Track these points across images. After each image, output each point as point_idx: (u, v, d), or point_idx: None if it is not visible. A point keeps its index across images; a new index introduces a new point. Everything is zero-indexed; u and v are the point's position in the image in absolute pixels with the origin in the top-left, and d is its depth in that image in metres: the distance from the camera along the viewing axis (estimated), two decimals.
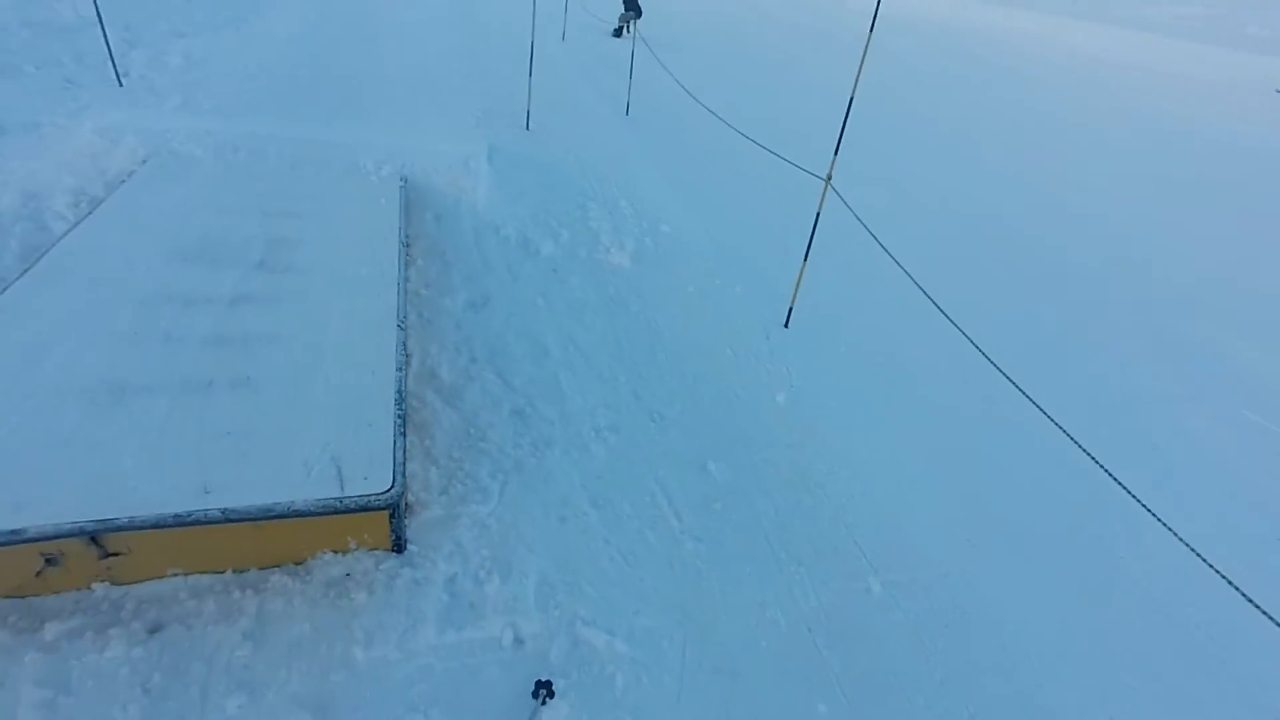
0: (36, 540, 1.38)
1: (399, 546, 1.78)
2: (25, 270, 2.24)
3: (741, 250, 4.36)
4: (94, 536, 1.44)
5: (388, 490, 1.63)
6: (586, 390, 2.75)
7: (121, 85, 4.65)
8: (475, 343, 2.83)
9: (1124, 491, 2.03)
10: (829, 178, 3.34)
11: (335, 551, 1.73)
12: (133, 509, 1.45)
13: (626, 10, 11.23)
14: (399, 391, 1.97)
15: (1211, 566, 1.73)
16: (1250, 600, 1.66)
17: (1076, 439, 2.27)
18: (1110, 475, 2.10)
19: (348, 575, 1.71)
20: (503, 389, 2.61)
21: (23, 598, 1.50)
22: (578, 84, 7.94)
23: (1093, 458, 2.17)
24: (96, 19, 4.75)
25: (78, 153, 3.27)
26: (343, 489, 1.60)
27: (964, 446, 2.91)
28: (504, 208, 4.07)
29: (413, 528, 1.87)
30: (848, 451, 2.74)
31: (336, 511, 1.58)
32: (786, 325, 3.57)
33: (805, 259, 3.43)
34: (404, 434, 1.85)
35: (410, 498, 1.92)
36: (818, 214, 3.38)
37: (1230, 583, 1.69)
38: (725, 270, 4.07)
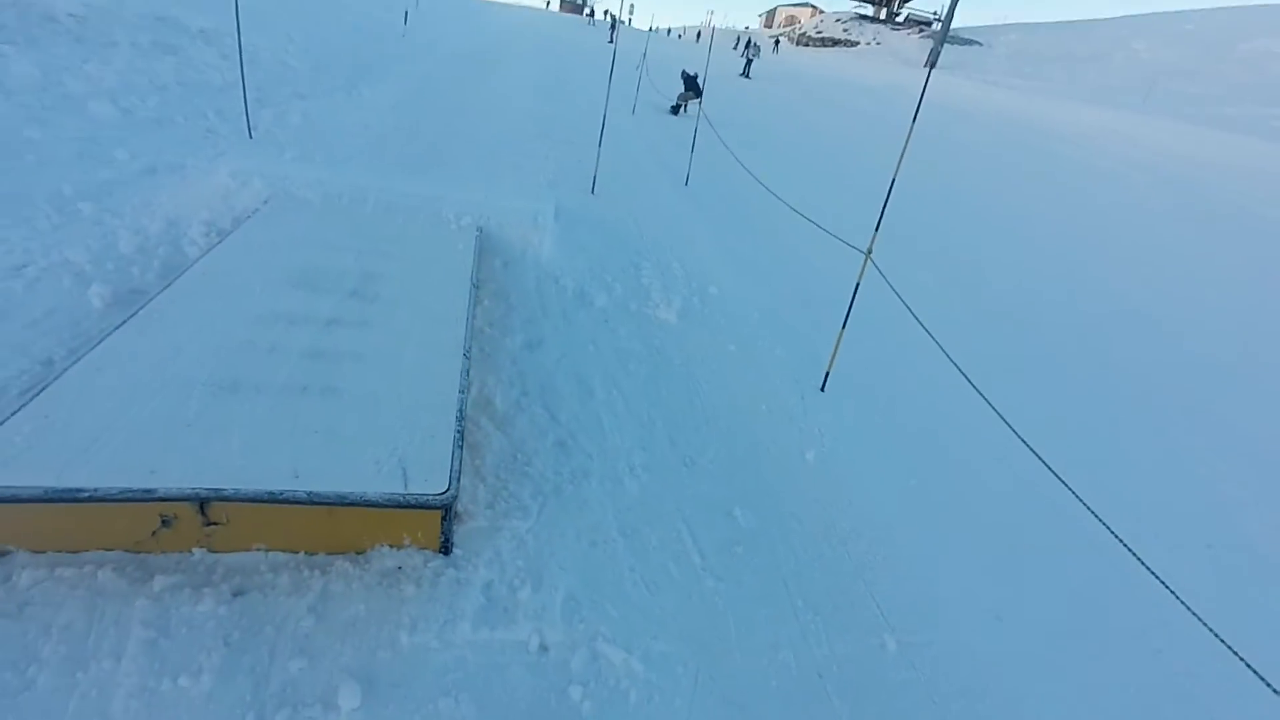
0: (163, 500, 1.65)
1: (446, 549, 1.98)
2: (165, 286, 2.67)
3: (785, 316, 4.56)
4: (203, 504, 1.71)
5: (443, 493, 1.85)
6: (625, 431, 2.94)
7: (251, 137, 5.40)
8: (528, 379, 3.10)
9: (1175, 598, 2.02)
10: (869, 251, 3.55)
11: (391, 546, 1.94)
12: (236, 483, 1.72)
13: (686, 90, 12.07)
14: (460, 411, 2.22)
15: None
16: None
17: (1120, 536, 2.30)
18: (1157, 579, 2.12)
19: (400, 568, 1.92)
20: (549, 422, 2.84)
21: (138, 554, 1.77)
22: (642, 155, 8.55)
23: (1139, 559, 2.19)
24: (238, 82, 5.59)
25: (213, 191, 3.84)
26: (406, 486, 1.83)
27: (996, 523, 2.92)
28: (565, 261, 4.44)
29: (459, 534, 2.07)
30: (873, 514, 2.81)
31: (399, 506, 1.80)
32: (823, 389, 3.70)
33: (844, 326, 3.60)
34: (461, 448, 2.08)
35: (459, 508, 2.13)
36: (857, 285, 3.58)
37: None
38: (767, 333, 4.26)
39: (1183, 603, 1.98)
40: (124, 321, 2.33)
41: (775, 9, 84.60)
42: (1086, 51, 51.83)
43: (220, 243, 3.13)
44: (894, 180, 3.32)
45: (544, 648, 1.84)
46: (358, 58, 9.95)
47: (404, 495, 1.81)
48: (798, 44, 68.76)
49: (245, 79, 5.63)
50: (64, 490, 1.60)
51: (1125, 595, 2.60)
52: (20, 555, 1.69)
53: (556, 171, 6.71)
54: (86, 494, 1.61)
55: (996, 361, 4.24)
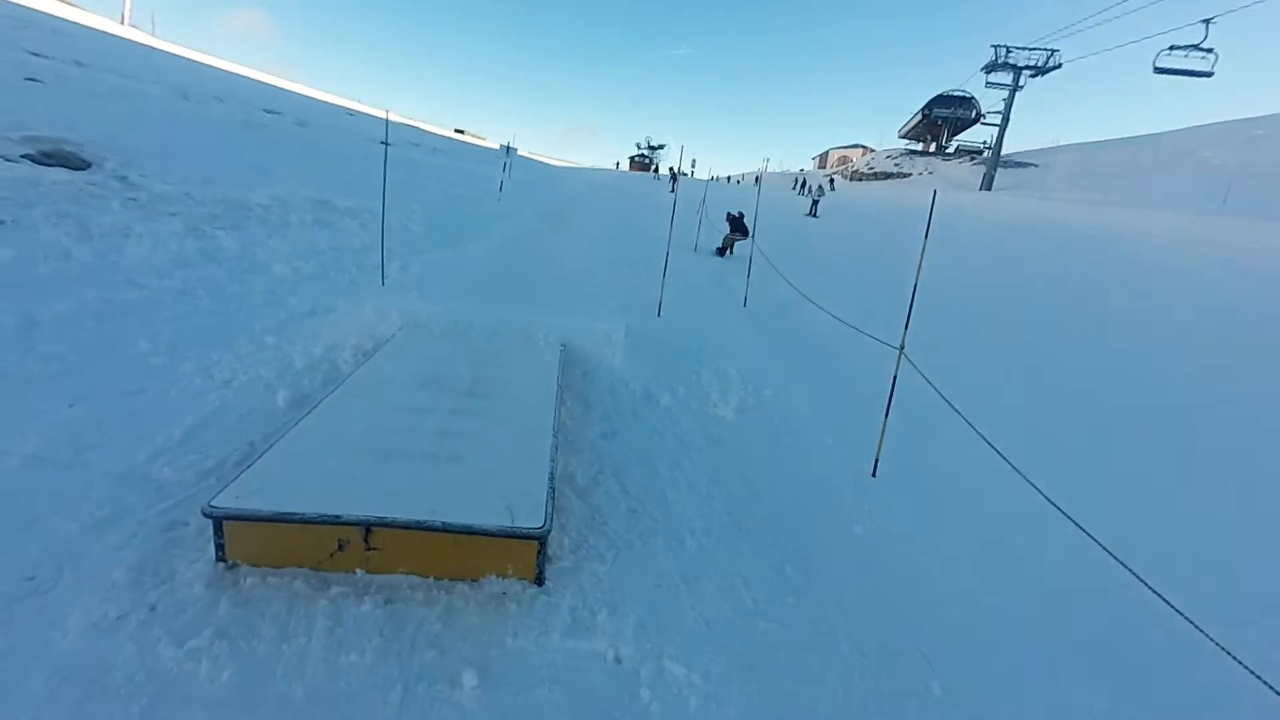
0: (343, 524, 2.28)
1: (540, 580, 2.46)
2: (333, 389, 3.52)
3: (835, 411, 4.97)
4: (368, 530, 2.32)
5: (540, 527, 2.37)
6: (686, 503, 3.38)
7: (384, 284, 6.73)
8: (604, 460, 3.65)
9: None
10: (902, 347, 4.02)
11: (498, 575, 2.44)
12: (393, 513, 2.32)
13: (732, 231, 12.51)
14: (550, 474, 2.78)
15: None
16: None
17: (1183, 611, 2.47)
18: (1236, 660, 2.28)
19: (504, 593, 2.40)
20: (621, 494, 3.33)
21: (317, 570, 2.37)
22: (704, 284, 9.55)
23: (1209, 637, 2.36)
24: (374, 244, 7.07)
25: (360, 323, 4.90)
26: (513, 521, 2.37)
27: (1048, 607, 3.04)
28: (634, 369, 5.13)
29: (549, 571, 2.55)
30: (923, 583, 3.02)
31: (506, 535, 2.34)
32: (874, 474, 4.01)
33: (886, 416, 3.99)
34: (552, 500, 2.62)
35: (550, 551, 2.63)
36: (895, 376, 4.01)
37: None
38: (818, 427, 4.67)
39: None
40: (308, 412, 3.14)
41: (828, 151, 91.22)
42: (1151, 162, 51.91)
43: (368, 360, 4.05)
44: (917, 280, 3.87)
45: (618, 660, 2.22)
46: (463, 220, 11.97)
47: (511, 527, 2.34)
48: (851, 179, 73.07)
49: (372, 241, 7.13)
50: (282, 513, 2.27)
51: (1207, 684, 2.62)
52: (245, 568, 2.33)
53: (627, 300, 7.70)
54: (297, 516, 2.26)
55: (1040, 449, 4.39)
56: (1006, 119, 47.16)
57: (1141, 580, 2.54)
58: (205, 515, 2.25)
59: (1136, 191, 45.92)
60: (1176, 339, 8.76)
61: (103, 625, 2.02)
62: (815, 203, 23.49)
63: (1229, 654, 2.19)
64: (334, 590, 2.28)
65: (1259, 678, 2.10)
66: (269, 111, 17.09)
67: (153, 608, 2.10)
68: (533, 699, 2.00)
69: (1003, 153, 51.61)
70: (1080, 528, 2.93)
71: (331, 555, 2.36)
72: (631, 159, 64.48)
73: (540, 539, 2.38)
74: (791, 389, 5.45)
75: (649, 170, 59.47)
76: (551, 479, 2.77)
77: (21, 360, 3.65)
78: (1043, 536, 3.39)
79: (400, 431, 3.01)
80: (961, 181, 58.05)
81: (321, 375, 4.15)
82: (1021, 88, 46.09)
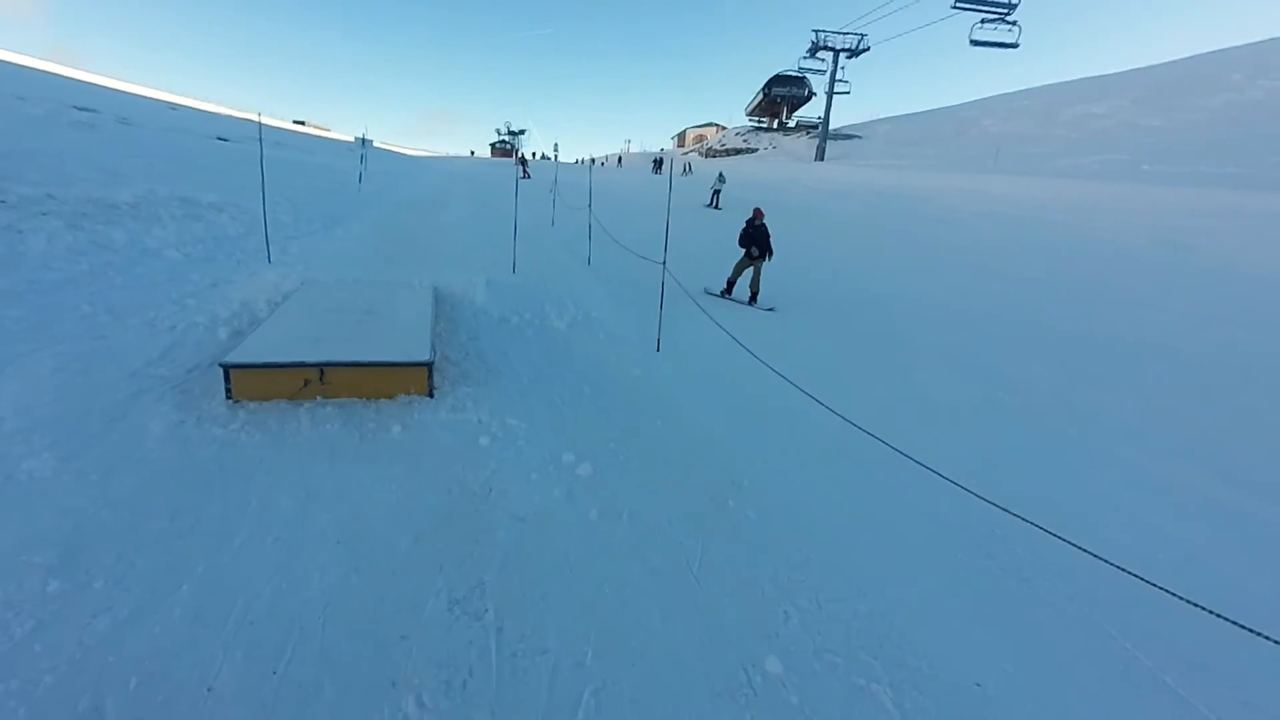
0: (306, 366, 3.91)
1: (431, 394, 4.24)
2: (270, 313, 4.98)
3: (644, 324, 7.09)
4: (321, 370, 3.97)
5: (428, 359, 4.15)
6: (524, 366, 5.28)
7: (270, 261, 7.88)
8: (468, 349, 5.44)
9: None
10: (664, 263, 6.17)
11: (404, 394, 4.19)
12: (336, 357, 3.99)
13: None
14: (431, 336, 4.56)
15: None
16: None
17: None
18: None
19: (410, 401, 4.16)
20: (480, 363, 5.16)
21: (292, 400, 3.97)
22: (557, 251, 11.40)
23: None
24: (248, 233, 8.15)
25: (265, 283, 6.22)
26: (410, 357, 4.13)
27: (753, 412, 5.32)
28: (492, 303, 6.90)
29: (436, 394, 4.32)
30: (670, 394, 5.17)
31: (408, 365, 4.10)
32: (658, 350, 6.15)
33: (660, 309, 6.13)
34: (433, 349, 4.39)
35: (433, 384, 4.40)
36: (663, 283, 6.15)
37: None
38: (628, 329, 6.76)
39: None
40: (259, 324, 4.62)
41: (684, 131, 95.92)
42: (948, 131, 61.05)
43: (285, 300, 5.50)
44: (667, 223, 6.01)
45: (480, 421, 4.08)
46: (327, 209, 12.83)
47: (409, 360, 4.11)
48: (706, 156, 77.88)
49: (246, 230, 8.23)
50: (268, 363, 3.86)
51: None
52: (245, 402, 3.88)
53: (487, 264, 9.37)
54: (276, 364, 3.86)
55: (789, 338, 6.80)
56: (830, 97, 53.13)
57: (810, 395, 4.81)
58: (220, 366, 3.79)
59: (936, 157, 53.99)
60: (926, 264, 12.04)
61: (175, 425, 3.54)
62: (716, 193, 21.53)
63: (858, 427, 4.48)
64: (305, 406, 3.92)
65: (878, 438, 4.40)
66: (83, 109, 16.34)
67: (199, 418, 3.64)
68: (433, 435, 3.81)
69: (832, 127, 58.08)
70: (767, 365, 5.20)
71: (299, 389, 3.98)
72: (492, 145, 64.20)
73: (428, 365, 4.17)
74: (614, 312, 7.51)
75: (511, 155, 59.66)
76: (432, 340, 4.54)
77: None
78: (753, 377, 5.70)
79: (328, 326, 4.63)
80: (800, 154, 64.31)
81: (247, 318, 5.51)
82: (843, 68, 52.15)
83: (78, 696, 1.99)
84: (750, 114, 79.42)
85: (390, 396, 4.16)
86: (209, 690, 2.05)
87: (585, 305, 7.52)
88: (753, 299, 8.70)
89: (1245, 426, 5.27)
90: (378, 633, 2.33)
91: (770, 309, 8.40)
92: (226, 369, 3.81)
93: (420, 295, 6.13)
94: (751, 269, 8.83)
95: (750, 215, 9.10)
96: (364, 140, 19.38)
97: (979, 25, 41.49)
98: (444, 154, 57.40)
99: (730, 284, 9.01)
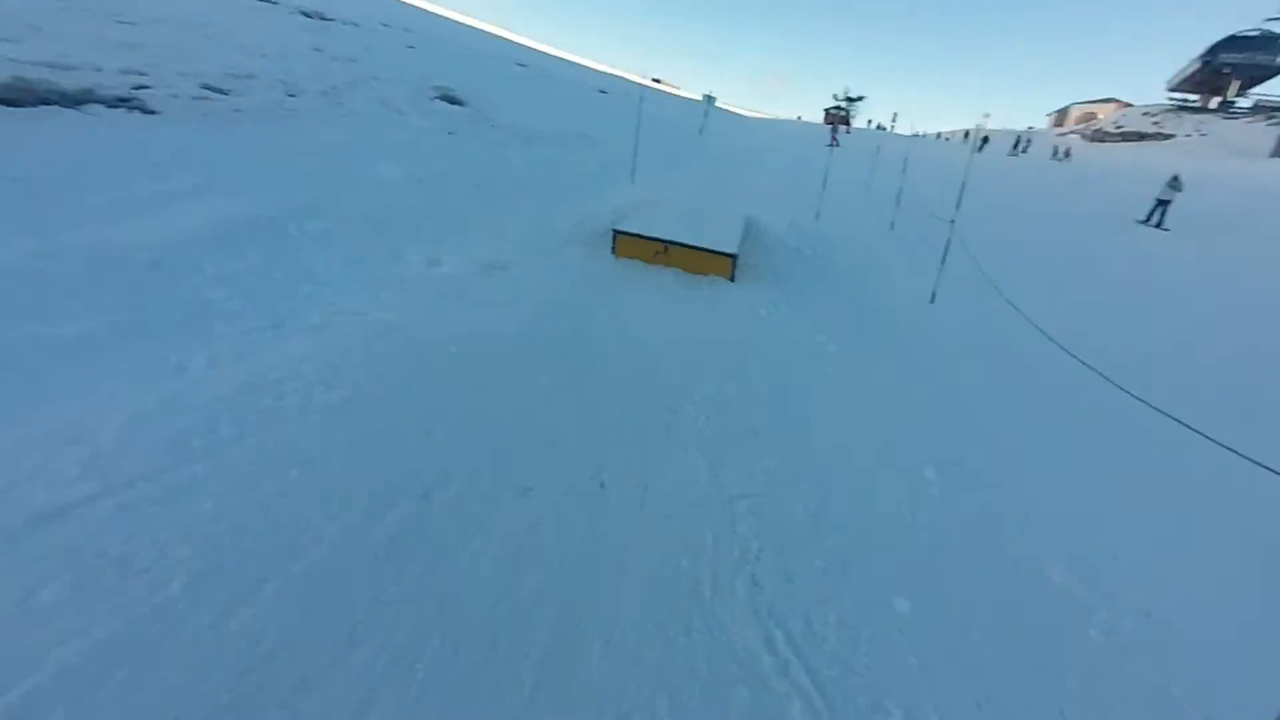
0: (660, 240, 5.85)
1: (732, 277, 5.83)
2: (635, 208, 7.18)
3: (925, 272, 7.61)
4: (667, 246, 5.86)
5: (734, 251, 5.72)
6: (808, 281, 6.49)
7: (633, 182, 10.47)
8: (765, 264, 6.87)
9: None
10: (953, 221, 6.61)
11: (716, 273, 5.86)
12: (677, 238, 5.85)
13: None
14: (739, 238, 6.11)
15: None
16: None
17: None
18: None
19: (714, 282, 5.81)
20: (772, 273, 6.55)
21: (647, 263, 5.98)
22: (863, 213, 12.01)
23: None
24: (621, 163, 10.81)
25: (631, 194, 8.60)
26: (723, 247, 5.75)
27: (1021, 374, 5.70)
28: (790, 238, 8.19)
29: (737, 280, 5.88)
30: (937, 333, 5.87)
31: (722, 254, 5.74)
32: (932, 302, 6.74)
33: (943, 264, 6.66)
34: (739, 246, 5.93)
35: (734, 275, 5.95)
36: (948, 241, 6.64)
37: None
38: (907, 275, 7.40)
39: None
40: (627, 216, 6.79)
41: (1068, 107, 79.01)
42: None
43: (643, 204, 7.68)
44: (963, 185, 6.41)
45: (761, 303, 5.51)
46: (672, 150, 15.52)
47: (724, 250, 5.73)
48: (1092, 140, 63.53)
49: (618, 161, 10.92)
50: (638, 233, 5.91)
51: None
52: (621, 259, 6.02)
53: (794, 209, 10.64)
54: (644, 235, 5.88)
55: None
56: None
57: (1123, 389, 5.14)
58: (612, 230, 5.95)
59: None
60: None
61: (587, 259, 5.83)
62: (1163, 205, 15.15)
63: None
64: (653, 270, 5.88)
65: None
66: (520, 65, 22.11)
67: (597, 259, 5.88)
68: (729, 299, 5.40)
69: None
70: (1042, 331, 5.50)
71: (654, 255, 5.95)
72: (826, 111, 63.22)
73: (733, 256, 5.75)
74: (902, 268, 8.13)
75: (845, 124, 58.11)
76: (739, 241, 6.10)
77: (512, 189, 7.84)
78: (1023, 344, 5.94)
79: (672, 222, 6.57)
80: (1244, 145, 48.12)
81: (622, 212, 7.88)
82: None
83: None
84: (1175, 89, 61.62)
85: (705, 273, 5.87)
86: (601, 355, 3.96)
87: (873, 255, 8.28)
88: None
89: None
90: (687, 357, 4.01)
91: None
92: (615, 232, 5.97)
93: (734, 216, 7.78)
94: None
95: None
96: (710, 98, 21.98)
97: None
98: (772, 116, 58.92)
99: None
